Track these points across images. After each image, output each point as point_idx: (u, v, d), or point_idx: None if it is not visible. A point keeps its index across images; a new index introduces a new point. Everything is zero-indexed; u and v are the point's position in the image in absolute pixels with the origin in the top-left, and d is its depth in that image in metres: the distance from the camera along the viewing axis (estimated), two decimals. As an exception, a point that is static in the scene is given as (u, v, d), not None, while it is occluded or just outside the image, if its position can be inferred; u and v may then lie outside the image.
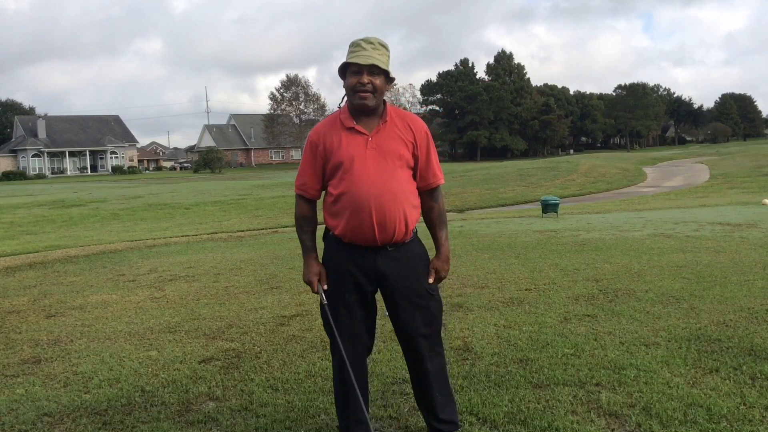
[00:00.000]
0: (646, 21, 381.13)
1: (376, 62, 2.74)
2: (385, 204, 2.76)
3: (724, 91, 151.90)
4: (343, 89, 2.85)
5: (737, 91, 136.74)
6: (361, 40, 2.80)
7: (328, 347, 4.44)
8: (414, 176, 2.91)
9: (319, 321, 5.22)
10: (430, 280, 2.92)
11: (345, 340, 2.85)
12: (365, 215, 2.76)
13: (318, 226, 3.01)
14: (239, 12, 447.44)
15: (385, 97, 2.90)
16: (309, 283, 2.90)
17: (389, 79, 2.83)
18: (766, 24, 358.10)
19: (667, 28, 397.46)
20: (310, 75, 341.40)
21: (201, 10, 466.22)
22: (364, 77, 2.74)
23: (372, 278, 2.87)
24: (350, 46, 2.81)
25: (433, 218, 2.99)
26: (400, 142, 2.83)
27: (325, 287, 2.88)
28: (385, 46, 2.82)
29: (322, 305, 2.90)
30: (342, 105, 2.92)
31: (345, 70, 2.81)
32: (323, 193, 2.97)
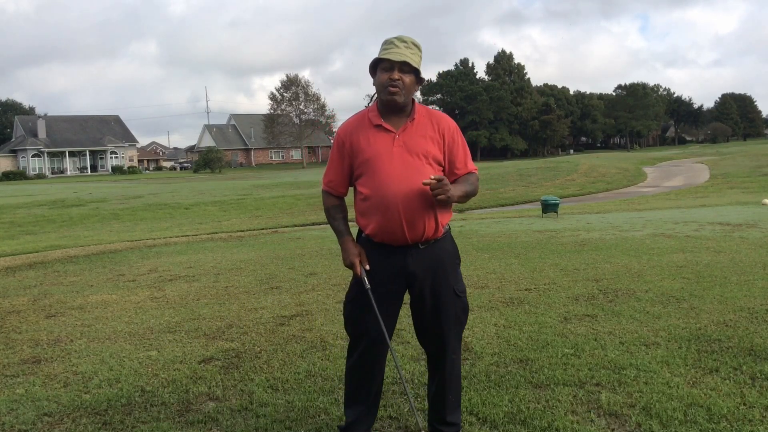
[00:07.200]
0: (638, 23, 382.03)
1: (408, 60, 2.74)
2: (414, 202, 2.73)
3: (717, 92, 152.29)
4: (372, 86, 2.86)
5: (730, 91, 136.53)
6: (395, 38, 2.79)
7: (328, 347, 4.48)
8: (444, 173, 2.87)
9: (319, 321, 5.25)
10: (427, 180, 2.66)
11: (368, 341, 2.86)
12: (394, 214, 2.74)
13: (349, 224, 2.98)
14: (234, 15, 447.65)
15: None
16: (351, 265, 2.84)
17: (419, 79, 2.82)
18: (754, 26, 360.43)
19: (660, 30, 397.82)
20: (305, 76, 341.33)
21: (197, 14, 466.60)
22: (394, 74, 2.74)
23: (402, 278, 2.84)
24: (383, 43, 2.81)
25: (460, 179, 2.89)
26: (427, 139, 2.81)
27: (368, 267, 2.82)
28: (417, 46, 2.81)
29: (350, 296, 2.89)
30: (371, 103, 2.92)
31: (376, 66, 2.81)
32: (351, 190, 2.97)
